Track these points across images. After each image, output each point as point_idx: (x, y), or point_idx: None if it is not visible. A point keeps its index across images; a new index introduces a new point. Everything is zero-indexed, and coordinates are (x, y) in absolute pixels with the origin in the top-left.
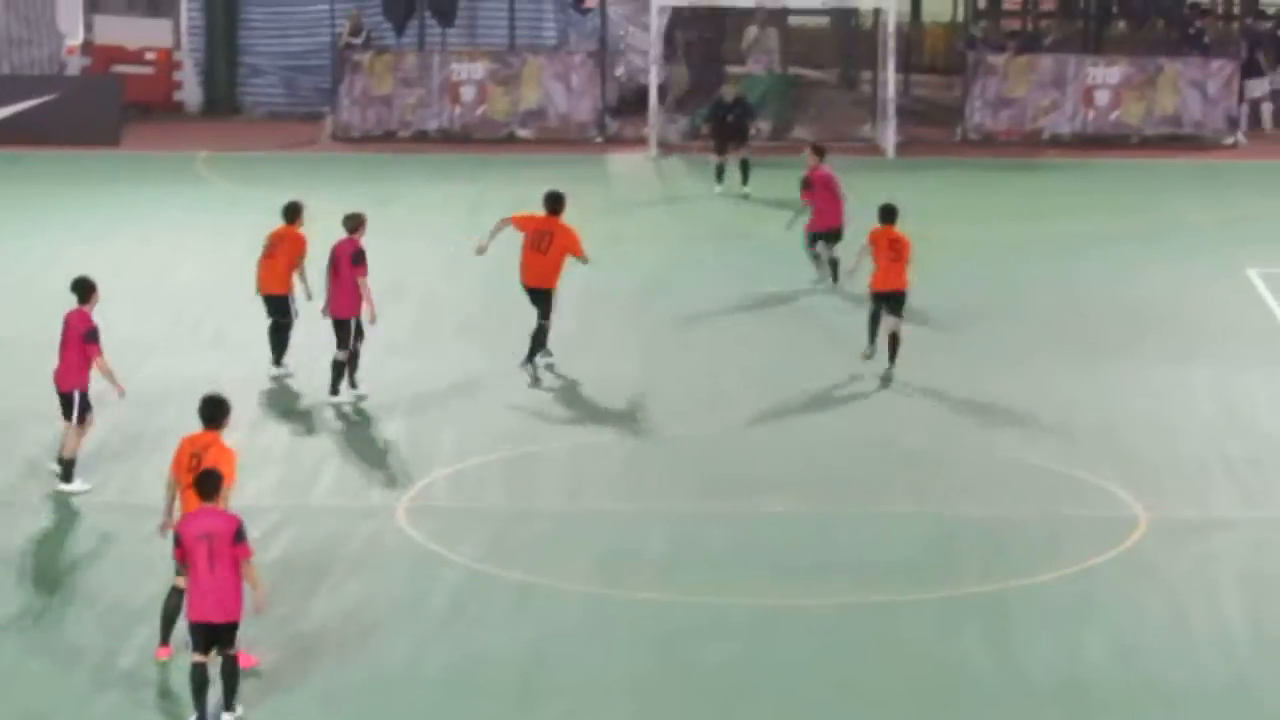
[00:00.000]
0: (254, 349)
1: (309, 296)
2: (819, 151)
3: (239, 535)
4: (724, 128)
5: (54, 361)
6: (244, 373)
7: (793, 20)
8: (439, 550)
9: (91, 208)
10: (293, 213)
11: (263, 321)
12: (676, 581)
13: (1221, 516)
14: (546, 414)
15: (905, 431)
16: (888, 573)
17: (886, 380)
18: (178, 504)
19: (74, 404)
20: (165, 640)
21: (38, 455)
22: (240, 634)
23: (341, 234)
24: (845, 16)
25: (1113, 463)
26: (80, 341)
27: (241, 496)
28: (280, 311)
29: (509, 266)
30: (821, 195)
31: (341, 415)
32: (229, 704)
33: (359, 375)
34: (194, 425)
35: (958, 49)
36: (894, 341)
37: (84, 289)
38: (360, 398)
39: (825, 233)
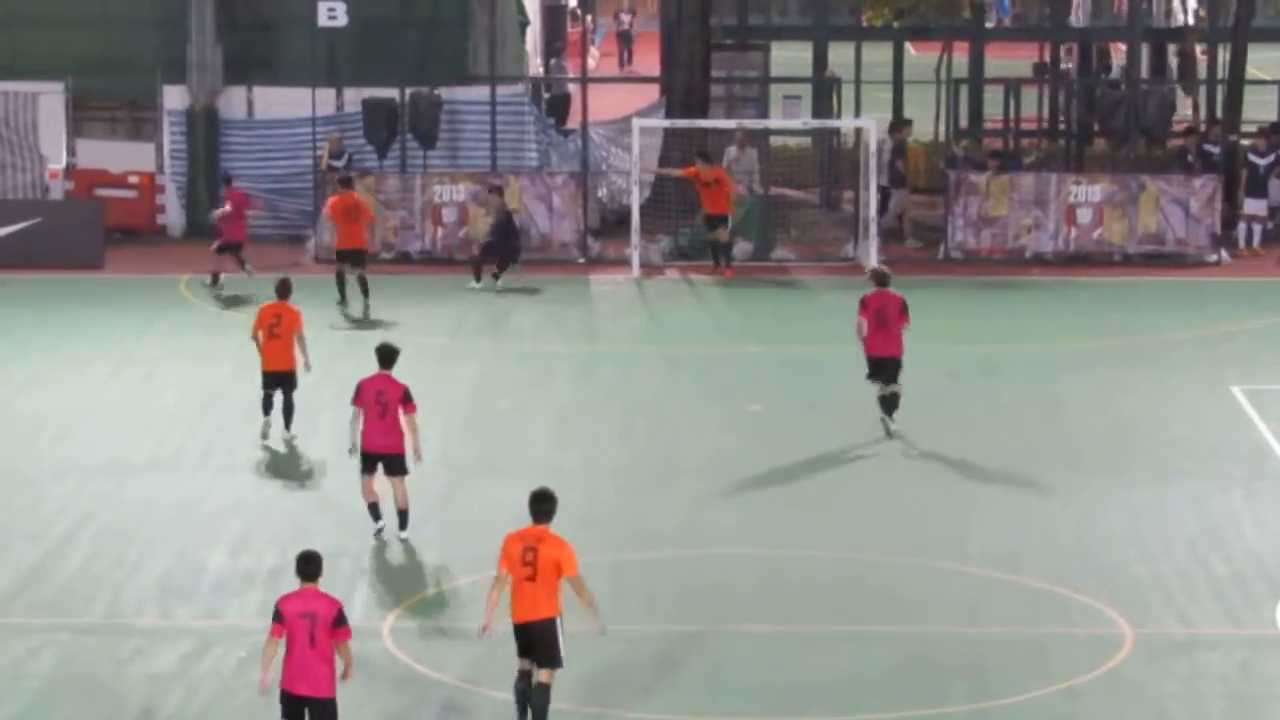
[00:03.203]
0: (238, 471)
1: (308, 367)
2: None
3: (339, 619)
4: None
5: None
6: (227, 496)
7: (774, 140)
8: (425, 670)
9: (74, 331)
10: (287, 289)
11: (246, 441)
12: (658, 701)
13: (1207, 634)
14: None
15: (887, 549)
16: (869, 692)
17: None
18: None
19: (408, 461)
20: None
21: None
22: None
23: None
24: (827, 136)
25: (1097, 580)
26: (401, 402)
27: (226, 617)
28: (292, 384)
29: (491, 393)
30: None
31: (329, 532)
32: None
33: None
34: (179, 547)
35: (939, 168)
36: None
37: (391, 354)
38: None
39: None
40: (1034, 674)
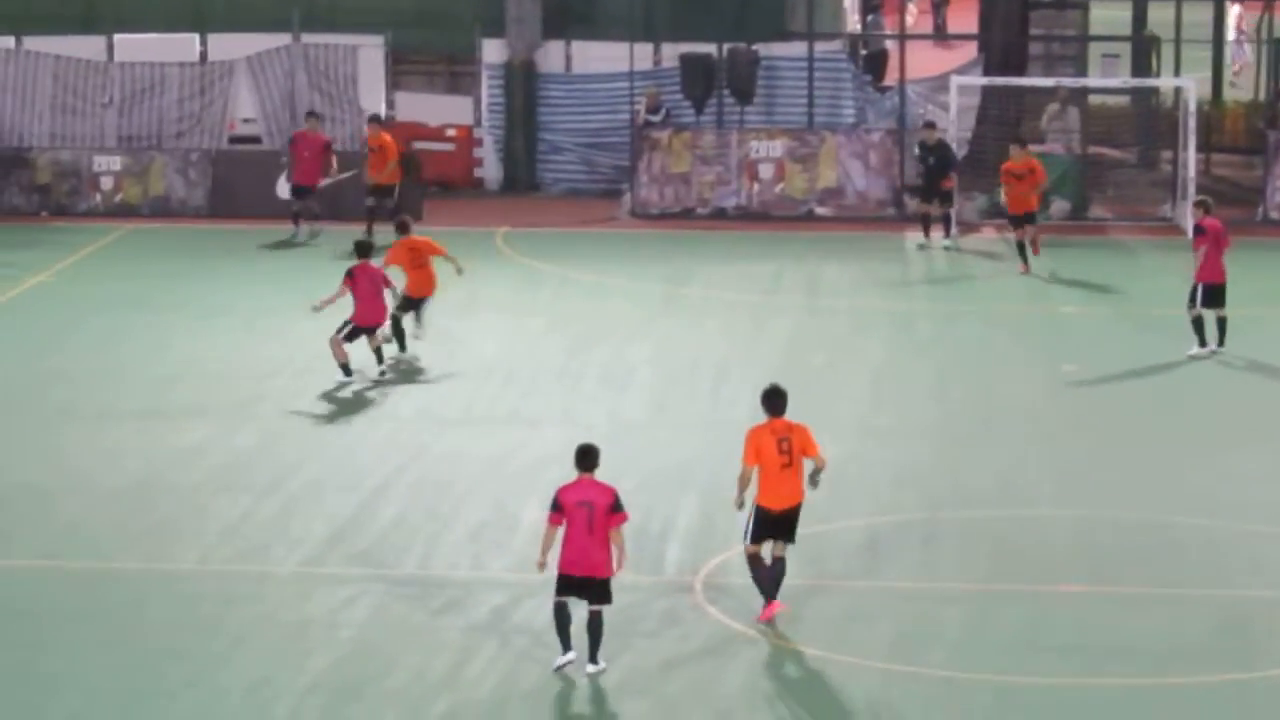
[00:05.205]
0: (549, 425)
1: None
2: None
3: (615, 505)
4: (925, 176)
5: None
6: (540, 449)
7: (1093, 99)
8: (736, 626)
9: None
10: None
11: (559, 394)
12: (970, 660)
13: None
14: (839, 493)
15: (1202, 512)
16: (1180, 655)
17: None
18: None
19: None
20: (771, 598)
21: (341, 525)
22: None
23: None
24: (1146, 96)
25: None
26: (386, 285)
27: (534, 568)
28: None
29: (805, 350)
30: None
31: (641, 490)
32: (594, 656)
33: None
34: (493, 499)
35: (1259, 129)
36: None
37: (368, 248)
38: None
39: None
40: None
